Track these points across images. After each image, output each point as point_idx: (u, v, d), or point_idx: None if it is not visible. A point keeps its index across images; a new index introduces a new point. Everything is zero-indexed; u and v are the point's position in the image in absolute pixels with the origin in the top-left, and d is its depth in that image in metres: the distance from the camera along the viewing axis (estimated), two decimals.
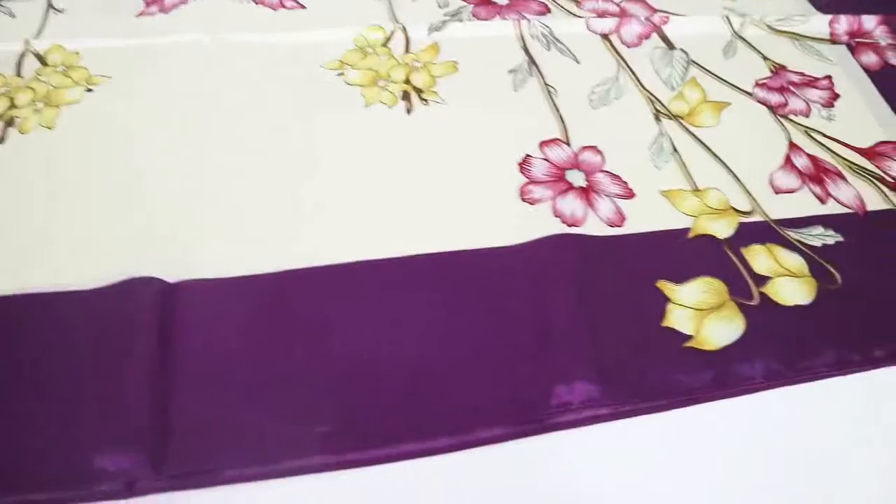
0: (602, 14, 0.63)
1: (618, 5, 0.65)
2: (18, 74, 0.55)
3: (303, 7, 0.61)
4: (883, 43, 0.67)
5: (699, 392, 0.42)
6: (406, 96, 0.54)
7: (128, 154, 0.50)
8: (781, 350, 0.44)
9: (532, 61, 0.58)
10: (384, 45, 0.58)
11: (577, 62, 0.59)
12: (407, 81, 0.55)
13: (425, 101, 0.54)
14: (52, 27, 0.60)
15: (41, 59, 0.56)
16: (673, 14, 0.65)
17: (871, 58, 0.65)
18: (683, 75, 0.60)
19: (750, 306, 0.46)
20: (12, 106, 0.52)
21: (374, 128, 0.52)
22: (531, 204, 0.49)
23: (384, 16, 0.60)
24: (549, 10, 0.63)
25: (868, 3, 0.69)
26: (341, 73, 0.56)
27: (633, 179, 0.52)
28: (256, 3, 0.61)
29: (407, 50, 0.58)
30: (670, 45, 0.62)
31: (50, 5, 0.62)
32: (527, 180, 0.50)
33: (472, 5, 0.62)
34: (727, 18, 0.64)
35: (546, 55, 0.59)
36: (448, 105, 0.54)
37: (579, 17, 0.63)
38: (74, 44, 0.57)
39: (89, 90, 0.54)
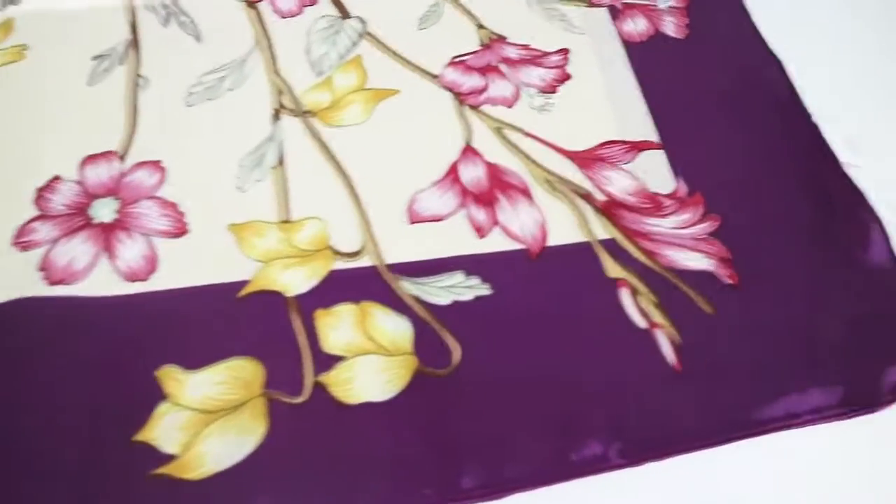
0: None
1: None
2: None
3: None
4: (663, 6, 0.49)
5: None
6: None
7: None
8: (302, 481, 0.30)
9: (134, 42, 0.43)
10: None
11: (198, 41, 0.44)
12: None
13: None
14: None
15: None
16: None
17: (638, 25, 0.48)
18: (345, 54, 0.44)
19: (289, 406, 0.32)
20: None
21: None
22: (24, 250, 0.35)
23: None
24: None
25: None
26: None
27: (197, 207, 0.37)
28: None
29: None
30: (344, 13, 0.46)
31: None
32: (38, 214, 0.36)
33: None
34: None
35: (160, 33, 0.44)
36: None
37: None
38: None
39: None
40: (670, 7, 0.49)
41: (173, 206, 0.37)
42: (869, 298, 0.38)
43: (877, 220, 0.40)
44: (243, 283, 0.34)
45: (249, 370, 0.32)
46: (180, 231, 0.36)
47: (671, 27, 0.48)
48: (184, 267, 0.35)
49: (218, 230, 0.36)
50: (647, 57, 0.46)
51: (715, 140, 0.42)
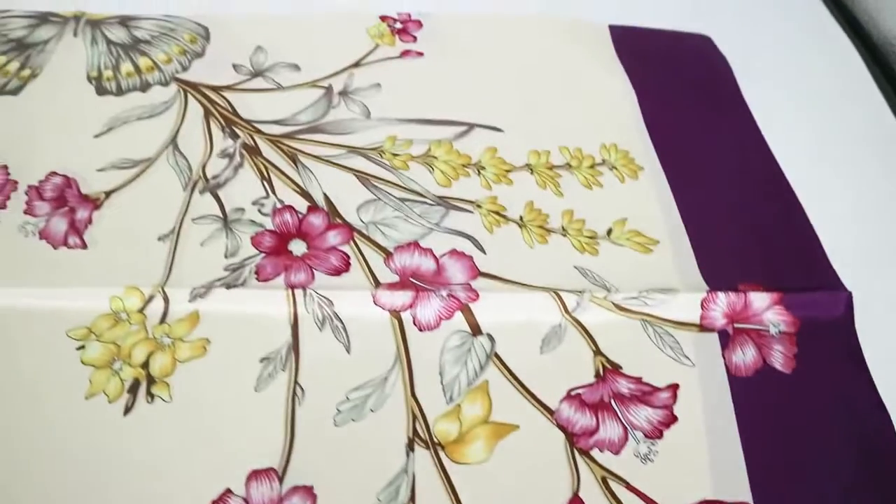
0: (415, 274, 0.54)
1: (436, 261, 0.55)
2: None
3: (84, 247, 0.56)
4: (773, 332, 0.52)
5: None
6: (134, 387, 0.49)
7: None
8: None
9: (294, 347, 0.51)
10: (141, 310, 0.53)
11: (348, 352, 0.51)
12: (145, 365, 0.50)
13: (151, 396, 0.49)
14: None
15: None
16: (502, 281, 0.54)
17: (747, 356, 0.51)
18: (473, 379, 0.50)
19: None
20: None
21: (80, 433, 0.46)
22: None
23: (160, 264, 0.55)
24: (348, 268, 0.54)
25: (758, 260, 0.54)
26: (82, 347, 0.51)
27: None
28: (40, 238, 0.57)
29: (163, 319, 0.52)
30: (475, 330, 0.52)
31: None
32: None
33: (262, 253, 0.55)
34: (557, 296, 0.52)
35: (316, 338, 0.51)
36: (172, 407, 0.48)
37: (377, 283, 0.54)
38: None
39: None
40: (781, 333, 0.52)
41: None
42: None
43: None
44: None
45: None
46: None
47: (779, 358, 0.51)
48: None
49: None
50: (751, 397, 0.49)
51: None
